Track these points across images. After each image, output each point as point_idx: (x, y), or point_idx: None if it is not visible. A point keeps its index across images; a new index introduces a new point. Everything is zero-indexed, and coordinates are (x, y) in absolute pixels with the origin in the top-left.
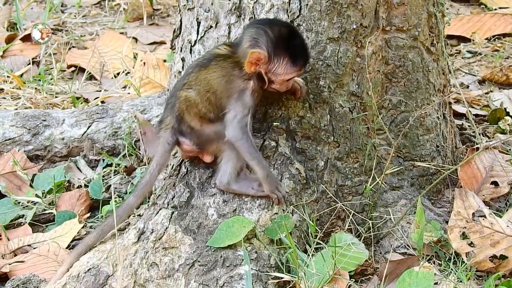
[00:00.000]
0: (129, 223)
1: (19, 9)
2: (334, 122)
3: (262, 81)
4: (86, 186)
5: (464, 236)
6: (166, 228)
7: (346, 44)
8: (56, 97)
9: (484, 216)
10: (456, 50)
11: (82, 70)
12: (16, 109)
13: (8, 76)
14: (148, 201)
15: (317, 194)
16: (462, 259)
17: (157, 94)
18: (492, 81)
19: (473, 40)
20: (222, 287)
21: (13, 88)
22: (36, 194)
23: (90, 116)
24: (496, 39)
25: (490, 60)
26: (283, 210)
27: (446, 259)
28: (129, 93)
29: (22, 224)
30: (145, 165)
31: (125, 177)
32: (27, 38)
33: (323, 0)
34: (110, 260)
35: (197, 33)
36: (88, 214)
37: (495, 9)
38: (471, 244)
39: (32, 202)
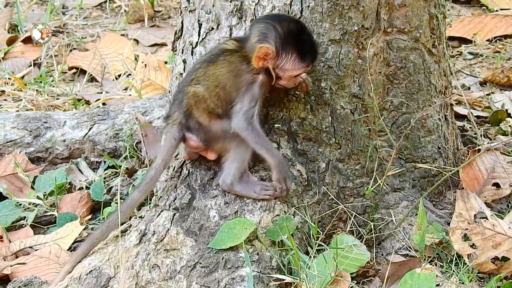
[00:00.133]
0: (131, 225)
1: (20, 11)
2: (335, 123)
3: (269, 77)
4: (87, 188)
5: (466, 237)
6: (168, 230)
7: (348, 45)
8: (57, 99)
9: (486, 218)
10: (458, 51)
11: (83, 72)
12: (18, 111)
13: (9, 78)
14: (150, 203)
15: (318, 195)
16: (464, 260)
17: (158, 96)
18: (494, 83)
19: (474, 42)
20: None
21: (14, 90)
22: (37, 196)
23: (91, 118)
24: (497, 41)
25: (491, 62)
26: (285, 212)
27: (448, 261)
28: (130, 95)
29: (23, 226)
30: (147, 167)
31: (126, 179)
32: (28, 40)
33: (324, 2)
34: (112, 262)
35: (199, 35)
36: (90, 216)
37: (496, 11)
38: (473, 246)
39: (33, 204)
